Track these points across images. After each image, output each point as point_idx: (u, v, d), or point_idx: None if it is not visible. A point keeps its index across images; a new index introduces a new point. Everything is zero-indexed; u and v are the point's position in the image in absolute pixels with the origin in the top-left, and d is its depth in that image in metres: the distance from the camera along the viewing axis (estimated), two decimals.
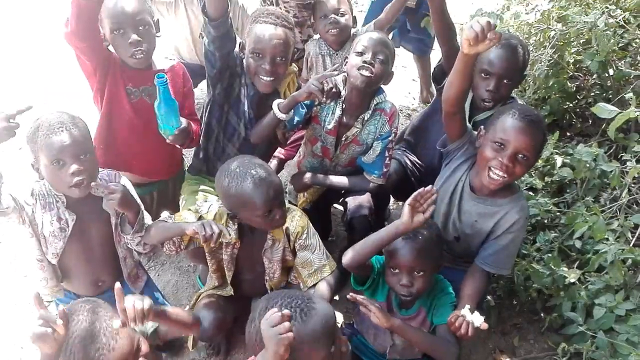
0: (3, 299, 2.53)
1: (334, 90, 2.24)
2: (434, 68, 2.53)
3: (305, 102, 2.29)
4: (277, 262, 2.10)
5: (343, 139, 2.40)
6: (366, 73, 2.18)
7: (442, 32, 2.25)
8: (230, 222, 1.98)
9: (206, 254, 2.07)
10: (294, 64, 2.81)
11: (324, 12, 2.74)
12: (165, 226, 1.94)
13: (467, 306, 1.78)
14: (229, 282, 2.12)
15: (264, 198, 1.82)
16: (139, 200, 2.05)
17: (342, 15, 2.73)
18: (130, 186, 2.12)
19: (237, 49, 2.28)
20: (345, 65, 2.33)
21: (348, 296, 1.82)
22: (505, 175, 1.85)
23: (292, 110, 2.24)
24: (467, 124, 2.10)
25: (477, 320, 1.74)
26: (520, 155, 1.84)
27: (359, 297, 1.81)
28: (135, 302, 1.54)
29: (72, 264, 2.04)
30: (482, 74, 2.20)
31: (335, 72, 2.28)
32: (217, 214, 1.99)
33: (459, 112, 1.97)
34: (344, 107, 2.35)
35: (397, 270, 1.85)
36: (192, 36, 3.18)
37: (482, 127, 1.98)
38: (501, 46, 2.17)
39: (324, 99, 2.17)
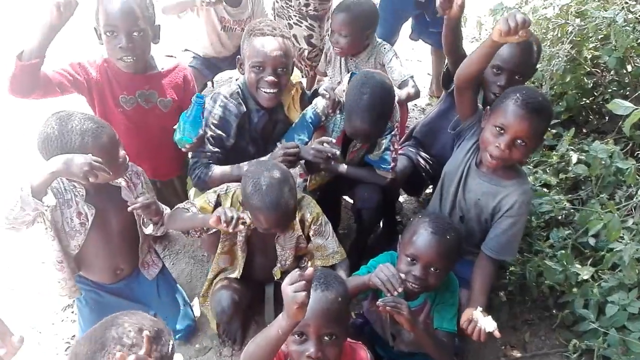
0: (25, 287, 2.59)
1: (337, 100, 2.27)
2: (442, 74, 2.51)
3: (312, 118, 2.31)
4: (290, 250, 2.14)
5: (351, 146, 2.41)
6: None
7: (452, 43, 2.22)
8: None
9: (221, 235, 2.11)
10: (299, 73, 2.80)
11: (332, 27, 2.74)
12: (189, 217, 2.00)
13: (480, 309, 1.78)
14: (241, 265, 2.15)
15: (270, 221, 1.89)
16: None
17: (345, 37, 2.67)
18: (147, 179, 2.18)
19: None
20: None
21: (379, 303, 1.75)
22: (501, 160, 1.91)
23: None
24: (478, 103, 2.12)
25: (489, 326, 1.73)
26: (518, 141, 1.88)
27: (389, 302, 1.74)
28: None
29: (92, 254, 2.08)
30: (495, 70, 2.20)
31: (335, 149, 2.18)
32: (235, 195, 2.04)
33: (470, 88, 2.03)
34: None
35: (414, 261, 1.83)
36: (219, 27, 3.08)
37: (488, 107, 2.01)
38: (515, 43, 2.15)
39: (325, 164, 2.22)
